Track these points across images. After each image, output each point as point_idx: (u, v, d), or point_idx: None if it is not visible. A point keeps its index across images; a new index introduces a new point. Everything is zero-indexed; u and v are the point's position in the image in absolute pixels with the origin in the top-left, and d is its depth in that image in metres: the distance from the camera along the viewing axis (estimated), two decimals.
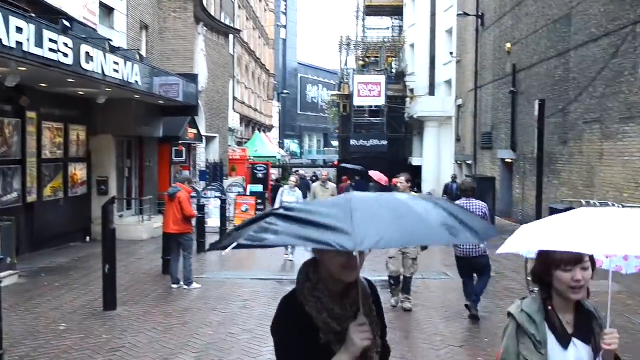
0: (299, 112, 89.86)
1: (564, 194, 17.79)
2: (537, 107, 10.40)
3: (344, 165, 33.46)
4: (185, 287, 10.40)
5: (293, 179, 13.89)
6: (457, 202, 8.59)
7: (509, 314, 2.73)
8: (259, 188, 27.69)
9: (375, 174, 25.63)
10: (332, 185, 13.53)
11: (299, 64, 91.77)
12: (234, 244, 2.06)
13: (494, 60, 26.08)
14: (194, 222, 11.68)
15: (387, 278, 9.23)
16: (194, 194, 13.17)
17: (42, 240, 14.28)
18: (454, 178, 25.53)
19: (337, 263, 2.31)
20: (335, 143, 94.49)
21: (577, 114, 17.33)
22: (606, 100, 15.60)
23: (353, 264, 2.31)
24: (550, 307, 2.65)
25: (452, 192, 22.08)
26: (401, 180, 9.86)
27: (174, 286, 10.46)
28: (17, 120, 13.22)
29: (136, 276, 11.55)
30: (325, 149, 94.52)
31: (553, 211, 12.52)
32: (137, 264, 12.95)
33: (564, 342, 2.62)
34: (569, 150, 17.81)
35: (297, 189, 13.38)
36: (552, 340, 2.62)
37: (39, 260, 13.14)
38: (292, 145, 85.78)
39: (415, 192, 18.27)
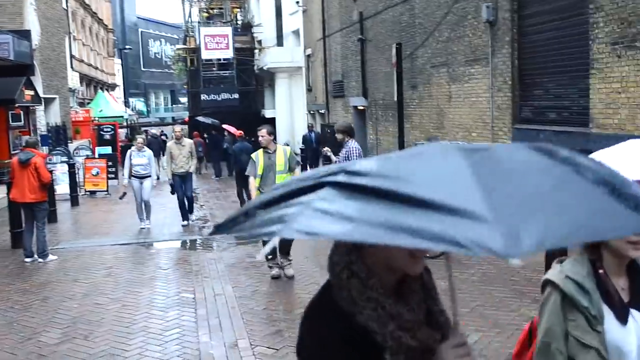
0: (142, 68, 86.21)
1: (415, 136, 18.41)
2: (394, 51, 10.48)
3: (199, 119, 32.59)
4: (40, 260, 9.61)
5: (140, 139, 13.11)
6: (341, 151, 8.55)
7: (549, 283, 2.14)
8: (108, 150, 26.37)
9: (229, 127, 25.36)
10: (188, 141, 12.70)
11: (139, 18, 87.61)
12: (274, 238, 1.35)
13: (340, 8, 26.21)
14: None
15: None
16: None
17: None
18: (311, 127, 25.15)
19: (405, 251, 1.54)
20: (183, 99, 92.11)
21: (424, 58, 17.84)
22: (452, 44, 16.15)
23: (422, 250, 1.54)
24: (601, 271, 2.08)
25: (310, 143, 21.65)
26: (262, 133, 9.41)
27: (28, 260, 9.64)
28: None
29: None
30: (174, 105, 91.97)
31: None
32: None
33: (622, 315, 2.06)
34: (418, 94, 18.37)
35: (146, 148, 12.68)
36: (608, 314, 2.05)
37: None
38: (138, 103, 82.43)
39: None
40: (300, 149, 17.17)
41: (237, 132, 24.71)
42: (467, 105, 15.52)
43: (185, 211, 12.50)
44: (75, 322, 6.59)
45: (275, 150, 8.02)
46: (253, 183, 7.86)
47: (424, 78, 17.91)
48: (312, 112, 32.95)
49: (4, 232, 12.00)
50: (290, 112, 34.42)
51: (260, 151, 8.12)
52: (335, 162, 8.58)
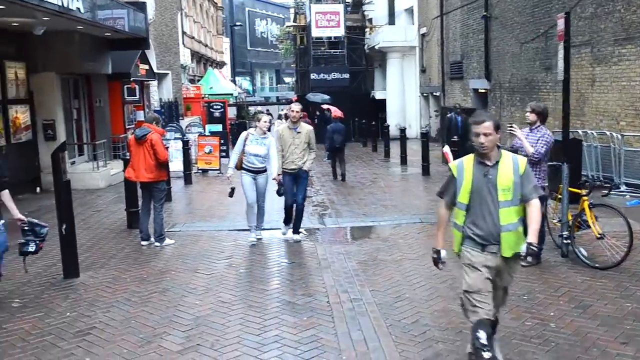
0: (248, 48, 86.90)
1: (549, 124, 16.78)
2: (561, 22, 9.05)
3: (309, 96, 31.76)
4: (157, 243, 9.01)
5: (265, 119, 9.16)
6: (523, 132, 7.26)
7: None
8: (218, 128, 26.14)
9: (332, 108, 24.57)
10: (306, 127, 9.14)
11: None
12: None
13: None
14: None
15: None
16: (165, 136, 11.49)
17: None
18: (457, 108, 18.84)
19: None
20: (288, 79, 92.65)
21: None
22: (597, 21, 14.44)
23: None
24: None
25: (457, 128, 16.94)
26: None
27: (144, 243, 9.07)
28: None
29: (98, 232, 10.09)
30: (278, 85, 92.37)
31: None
32: (97, 217, 11.46)
33: None
34: (553, 77, 16.72)
35: (269, 134, 9.20)
36: None
37: None
38: (244, 82, 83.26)
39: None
40: (451, 140, 14.39)
41: (338, 113, 24.01)
42: (615, 90, 13.81)
43: (290, 220, 9.42)
44: (199, 324, 5.80)
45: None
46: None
47: None
48: (425, 94, 31.54)
49: (120, 210, 11.59)
50: (401, 94, 33.11)
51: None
52: (518, 147, 7.29)
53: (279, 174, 9.03)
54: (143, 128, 9.09)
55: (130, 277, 7.41)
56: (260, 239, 9.28)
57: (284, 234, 9.51)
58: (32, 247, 6.61)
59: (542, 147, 7.15)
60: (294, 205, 9.21)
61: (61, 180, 7.11)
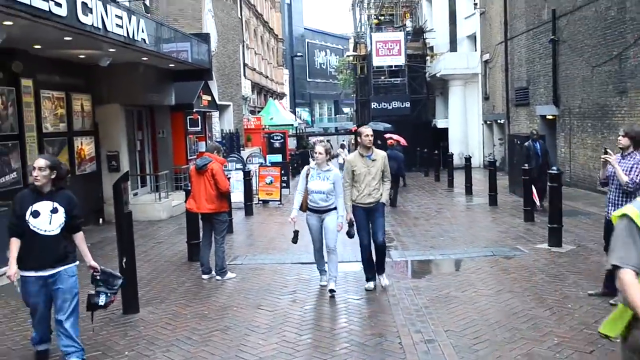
0: (307, 79, 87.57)
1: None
2: None
3: (370, 125, 31.46)
4: (218, 277, 8.72)
5: (319, 148, 7.86)
6: (618, 159, 6.69)
7: None
8: (278, 158, 26.10)
9: (395, 136, 24.17)
10: (380, 154, 7.98)
11: (306, 29, 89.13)
12: None
13: (526, 8, 23.96)
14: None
15: None
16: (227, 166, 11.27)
17: None
18: (535, 135, 15.88)
19: None
20: (346, 110, 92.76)
21: (638, 59, 15.39)
22: None
23: None
24: None
25: (537, 156, 14.88)
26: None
27: (205, 277, 8.80)
28: (10, 89, 11.48)
29: (158, 265, 9.88)
30: (337, 116, 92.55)
31: None
32: (158, 250, 11.30)
33: None
34: (628, 101, 15.91)
35: (331, 166, 7.94)
36: None
37: None
38: (303, 113, 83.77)
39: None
40: (523, 168, 13.51)
41: (402, 141, 23.59)
42: None
43: (372, 266, 8.07)
44: None
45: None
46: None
47: (637, 82, 15.45)
48: (488, 122, 30.78)
49: (181, 241, 11.40)
50: (464, 122, 32.43)
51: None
52: (610, 172, 6.78)
53: (348, 213, 7.81)
54: (204, 158, 8.88)
55: (190, 313, 7.11)
56: (333, 290, 7.70)
57: (369, 289, 7.92)
58: (102, 300, 5.88)
59: (637, 175, 6.55)
60: (372, 245, 7.94)
61: (123, 212, 6.91)
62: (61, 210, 5.41)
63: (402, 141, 23.62)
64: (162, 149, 18.17)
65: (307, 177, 7.86)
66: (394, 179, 15.77)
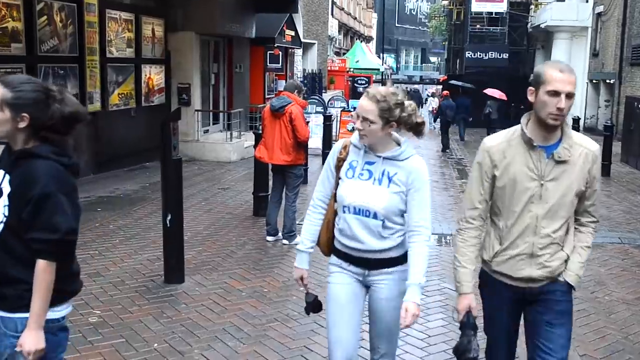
0: (396, 24, 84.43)
1: None
2: None
3: (452, 82, 29.36)
4: (285, 241, 7.29)
5: (367, 105, 2.87)
6: None
7: None
8: None
9: (494, 92, 22.24)
10: (585, 147, 3.65)
11: None
12: None
13: None
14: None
15: None
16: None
17: (109, 159, 11.56)
18: None
19: None
20: (433, 59, 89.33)
21: None
22: None
23: None
24: None
25: None
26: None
27: (270, 239, 7.38)
28: (71, 5, 10.23)
29: (219, 217, 8.52)
30: (423, 65, 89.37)
31: None
32: (221, 197, 9.97)
33: None
34: None
35: (408, 148, 2.96)
36: None
37: (102, 185, 10.43)
38: (389, 59, 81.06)
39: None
40: None
41: (504, 96, 21.73)
42: None
43: None
44: None
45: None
46: None
47: None
48: (594, 81, 27.94)
49: (248, 190, 10.03)
50: None
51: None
52: None
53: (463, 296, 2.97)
54: (282, 98, 7.30)
55: (246, 289, 5.68)
56: None
57: None
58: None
59: None
60: None
61: (170, 158, 5.49)
62: (5, 192, 2.43)
63: (501, 95, 21.85)
64: (238, 85, 16.79)
65: (337, 168, 3.16)
66: (447, 125, 18.90)
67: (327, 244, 3.14)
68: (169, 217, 5.53)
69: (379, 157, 2.95)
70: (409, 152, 2.95)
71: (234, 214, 8.74)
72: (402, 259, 2.98)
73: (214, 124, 15.93)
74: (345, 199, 2.95)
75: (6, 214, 2.37)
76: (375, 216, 2.91)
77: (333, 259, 3.13)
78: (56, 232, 2.33)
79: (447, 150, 18.56)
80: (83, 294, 5.18)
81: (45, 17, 9.58)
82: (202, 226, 7.88)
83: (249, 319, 4.98)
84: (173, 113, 5.80)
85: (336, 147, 3.11)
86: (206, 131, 15.05)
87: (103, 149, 11.35)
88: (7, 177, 2.40)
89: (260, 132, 7.80)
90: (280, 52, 18.19)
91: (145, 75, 12.92)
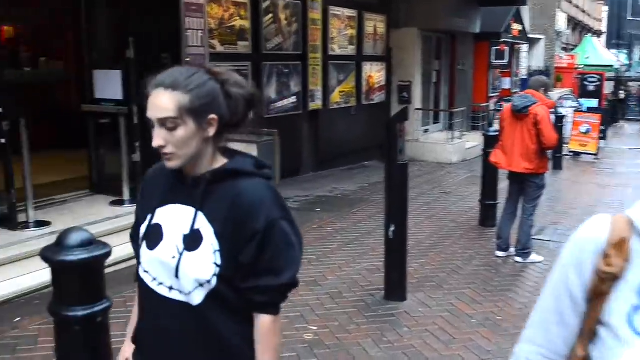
0: (628, 17, 77.38)
1: None
2: None
3: None
4: (518, 259, 6.42)
5: None
6: None
7: None
8: (593, 103, 22.26)
9: None
10: None
11: None
12: None
13: None
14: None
15: None
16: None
17: (328, 157, 11.41)
18: None
19: None
20: None
21: None
22: None
23: None
24: None
25: None
26: None
27: (500, 254, 6.56)
28: (296, 2, 10.16)
29: (441, 226, 7.85)
30: None
31: None
32: (443, 203, 9.29)
33: None
34: None
35: None
36: None
37: (321, 184, 10.25)
38: (621, 55, 74.57)
39: None
40: None
41: None
42: None
43: None
44: None
45: None
46: None
47: None
48: None
49: (472, 195, 9.28)
50: None
51: None
52: None
53: None
54: (525, 96, 6.40)
55: (476, 315, 4.96)
56: None
57: None
58: None
59: None
60: None
61: (395, 162, 4.94)
62: (210, 234, 1.70)
63: None
64: (461, 83, 15.96)
65: (596, 297, 1.26)
66: None
67: None
68: (392, 229, 4.98)
69: None
70: None
71: (458, 223, 8.01)
72: None
73: (434, 123, 15.29)
74: None
75: (219, 262, 1.67)
76: None
77: None
78: (284, 274, 1.70)
79: None
80: (300, 304, 4.86)
81: (270, 15, 9.58)
82: (423, 235, 7.27)
83: (482, 354, 4.27)
84: (399, 113, 5.28)
85: (588, 243, 1.31)
86: (426, 131, 14.45)
87: (323, 147, 11.24)
88: (202, 215, 1.69)
89: (494, 133, 7.02)
90: (506, 48, 17.02)
91: (366, 73, 12.61)
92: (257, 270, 1.67)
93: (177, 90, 1.62)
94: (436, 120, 15.48)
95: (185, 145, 1.65)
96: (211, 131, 1.68)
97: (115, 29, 7.80)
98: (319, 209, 8.47)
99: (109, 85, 7.21)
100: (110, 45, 7.86)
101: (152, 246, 1.75)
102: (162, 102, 1.62)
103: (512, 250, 6.53)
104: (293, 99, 10.26)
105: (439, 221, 8.07)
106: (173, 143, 1.64)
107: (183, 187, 1.75)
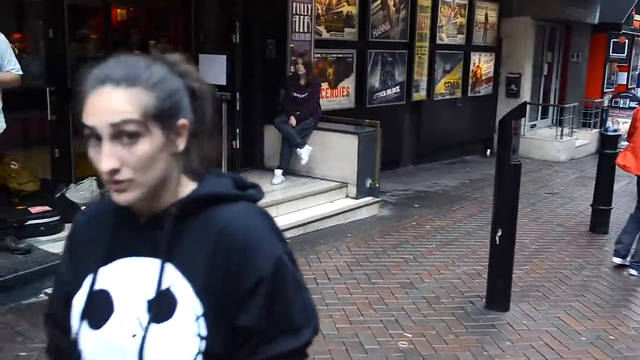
0: None
1: None
2: None
3: None
4: (633, 272, 5.91)
5: None
6: None
7: None
8: None
9: None
10: None
11: None
12: None
13: None
14: None
15: None
16: None
17: (428, 150, 11.10)
18: None
19: None
20: None
21: None
22: None
23: None
24: None
25: None
26: None
27: (616, 260, 6.03)
28: None
29: (548, 229, 7.40)
30: None
31: None
32: (550, 204, 8.80)
33: None
34: None
35: None
36: None
37: (421, 178, 9.97)
38: None
39: None
40: None
41: None
42: None
43: None
44: None
45: None
46: None
47: None
48: None
49: (582, 197, 8.77)
50: None
51: None
52: None
53: None
54: None
55: (587, 333, 4.58)
56: None
57: None
58: None
59: None
60: None
61: (508, 162, 4.62)
62: (187, 293, 1.14)
63: None
64: (573, 77, 15.13)
65: None
66: None
67: None
68: (499, 233, 4.68)
69: None
70: None
71: (566, 227, 7.54)
72: None
73: (542, 118, 14.58)
74: None
75: (203, 333, 1.12)
76: None
77: None
78: (306, 329, 1.16)
79: None
80: (394, 308, 4.67)
81: (379, 1, 9.34)
82: (528, 239, 6.86)
83: None
84: (515, 109, 4.92)
85: None
86: (533, 126, 13.80)
87: (424, 140, 10.92)
88: (171, 267, 1.15)
89: (614, 134, 6.52)
90: (626, 40, 15.98)
91: (474, 63, 12.15)
92: (269, 332, 1.13)
93: (136, 86, 1.09)
94: (544, 115, 14.76)
95: (148, 167, 1.10)
96: (181, 143, 1.15)
97: (222, 13, 7.81)
98: (417, 205, 8.21)
99: (213, 69, 7.21)
100: (217, 29, 7.89)
101: (97, 324, 1.17)
102: (116, 103, 1.07)
103: (628, 260, 6.05)
104: (396, 89, 10.00)
105: (545, 224, 7.62)
106: (132, 164, 1.09)
107: (135, 232, 1.19)
